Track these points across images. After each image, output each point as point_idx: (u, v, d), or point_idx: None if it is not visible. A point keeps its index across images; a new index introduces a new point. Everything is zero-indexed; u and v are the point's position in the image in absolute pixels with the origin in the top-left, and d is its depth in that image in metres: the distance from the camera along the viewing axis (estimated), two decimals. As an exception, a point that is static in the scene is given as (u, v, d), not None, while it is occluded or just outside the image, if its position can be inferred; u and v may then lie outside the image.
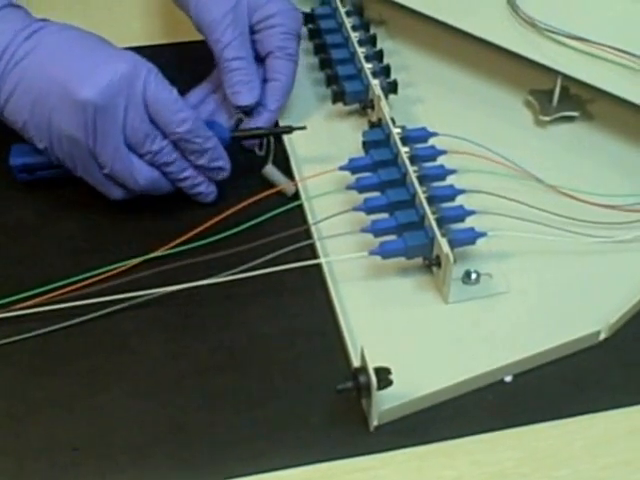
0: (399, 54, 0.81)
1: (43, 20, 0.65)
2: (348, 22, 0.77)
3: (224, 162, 0.68)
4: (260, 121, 0.72)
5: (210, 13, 0.71)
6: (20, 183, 0.69)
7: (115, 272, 0.63)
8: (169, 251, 0.64)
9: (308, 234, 0.66)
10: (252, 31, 0.73)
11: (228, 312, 0.63)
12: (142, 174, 0.65)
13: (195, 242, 0.64)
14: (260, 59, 0.74)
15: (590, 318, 0.61)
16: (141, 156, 0.64)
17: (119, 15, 0.85)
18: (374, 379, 0.54)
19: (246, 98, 0.71)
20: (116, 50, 0.64)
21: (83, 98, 0.61)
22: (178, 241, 0.64)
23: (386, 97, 0.72)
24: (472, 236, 0.63)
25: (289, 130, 0.71)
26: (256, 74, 0.72)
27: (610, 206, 0.66)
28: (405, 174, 0.65)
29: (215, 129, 0.68)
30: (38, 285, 0.62)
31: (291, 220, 0.67)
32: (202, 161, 0.66)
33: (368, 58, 0.75)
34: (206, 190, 0.68)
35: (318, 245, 0.66)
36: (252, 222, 0.65)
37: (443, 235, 0.61)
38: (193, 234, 0.64)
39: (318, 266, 0.64)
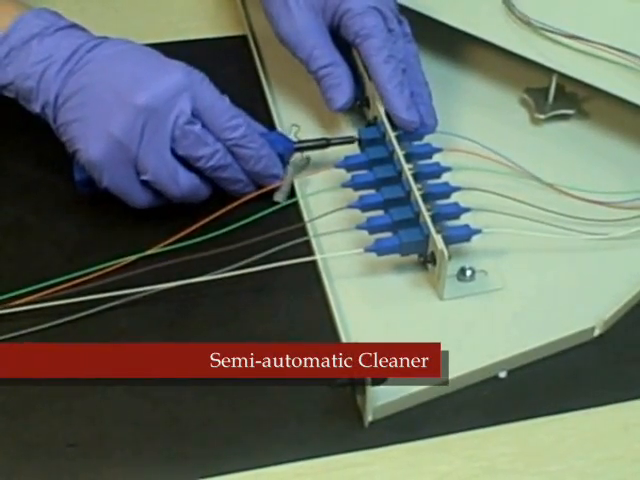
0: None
1: (104, 37, 0.67)
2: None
3: (279, 170, 0.68)
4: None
5: (291, 26, 0.70)
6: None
7: (110, 269, 0.63)
8: (164, 248, 0.64)
9: (304, 231, 0.66)
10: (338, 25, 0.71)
11: (223, 309, 0.63)
12: (185, 179, 0.65)
13: (190, 239, 0.64)
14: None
15: (584, 314, 0.62)
16: (195, 161, 0.65)
17: (120, 13, 0.85)
18: (368, 375, 0.54)
19: (339, 101, 0.70)
20: (171, 60, 0.66)
21: (138, 103, 0.62)
22: (173, 239, 0.64)
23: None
24: (467, 233, 0.63)
25: (351, 140, 0.70)
26: (345, 73, 0.70)
27: (605, 203, 0.66)
28: (400, 172, 0.65)
29: (279, 139, 0.69)
30: (33, 282, 0.62)
31: (287, 217, 0.67)
32: (258, 168, 0.67)
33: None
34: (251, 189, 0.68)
35: (313, 242, 0.66)
36: (248, 219, 0.65)
37: (438, 232, 0.61)
38: (189, 231, 0.64)
39: (314, 263, 0.64)
